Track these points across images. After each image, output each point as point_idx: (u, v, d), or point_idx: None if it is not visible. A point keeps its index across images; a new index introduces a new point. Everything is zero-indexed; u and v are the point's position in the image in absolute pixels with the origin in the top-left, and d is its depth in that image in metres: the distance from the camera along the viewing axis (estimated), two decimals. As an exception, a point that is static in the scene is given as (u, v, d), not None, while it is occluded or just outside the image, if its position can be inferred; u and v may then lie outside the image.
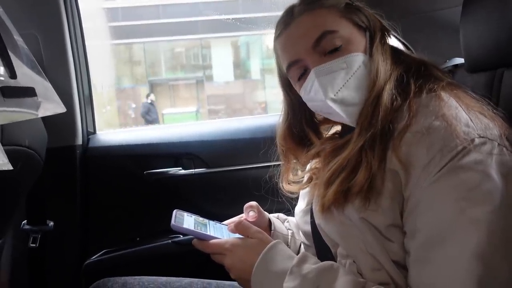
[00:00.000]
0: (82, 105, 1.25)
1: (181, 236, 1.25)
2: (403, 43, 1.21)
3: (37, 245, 1.10)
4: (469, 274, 0.48)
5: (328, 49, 0.65)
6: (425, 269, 0.52)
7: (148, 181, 1.26)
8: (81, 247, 1.25)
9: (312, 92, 0.66)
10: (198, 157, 1.28)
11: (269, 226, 0.84)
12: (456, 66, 1.05)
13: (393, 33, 1.21)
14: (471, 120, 0.55)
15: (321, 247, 0.69)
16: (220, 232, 0.73)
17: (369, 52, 0.65)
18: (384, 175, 0.57)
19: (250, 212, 0.81)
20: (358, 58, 0.64)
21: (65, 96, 1.11)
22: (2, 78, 0.71)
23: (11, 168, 0.62)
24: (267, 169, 0.88)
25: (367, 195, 0.57)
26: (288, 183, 0.81)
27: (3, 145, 0.66)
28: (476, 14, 0.82)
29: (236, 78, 9.52)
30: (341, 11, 0.67)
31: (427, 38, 1.19)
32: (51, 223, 1.13)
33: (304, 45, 0.65)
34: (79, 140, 1.22)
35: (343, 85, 0.63)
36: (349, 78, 0.63)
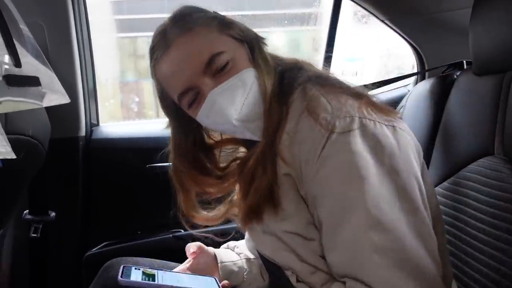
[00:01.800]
0: (86, 97, 1.25)
1: (182, 231, 1.25)
2: (410, 43, 1.21)
3: (38, 235, 1.10)
4: (368, 246, 0.52)
5: (218, 70, 0.62)
6: (335, 255, 0.56)
7: (150, 175, 1.26)
8: (82, 238, 1.25)
9: (213, 117, 0.64)
10: (200, 152, 1.28)
11: (215, 260, 0.84)
12: (462, 69, 1.04)
13: (399, 31, 1.22)
14: (330, 104, 0.57)
15: (269, 266, 0.70)
16: (170, 279, 0.71)
17: (253, 64, 0.65)
18: (279, 181, 0.60)
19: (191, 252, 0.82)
20: (249, 73, 0.63)
21: (69, 87, 1.11)
22: (6, 67, 0.71)
23: (14, 156, 0.62)
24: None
25: (273, 204, 0.60)
26: (195, 218, 0.78)
27: (6, 133, 0.66)
28: (486, 17, 0.81)
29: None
30: (219, 28, 0.64)
31: (433, 39, 1.19)
32: (53, 214, 1.13)
33: (193, 71, 0.62)
34: (82, 132, 1.23)
35: (243, 103, 0.62)
36: (248, 94, 0.62)
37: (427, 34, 1.18)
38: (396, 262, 0.51)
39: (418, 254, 0.52)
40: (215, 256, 0.86)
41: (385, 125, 0.57)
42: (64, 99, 0.85)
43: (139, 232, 1.28)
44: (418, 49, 1.20)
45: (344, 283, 0.55)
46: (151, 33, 0.68)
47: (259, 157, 0.61)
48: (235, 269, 0.85)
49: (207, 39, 0.63)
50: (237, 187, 0.74)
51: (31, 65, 0.80)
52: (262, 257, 0.71)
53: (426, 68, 1.24)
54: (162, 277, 0.71)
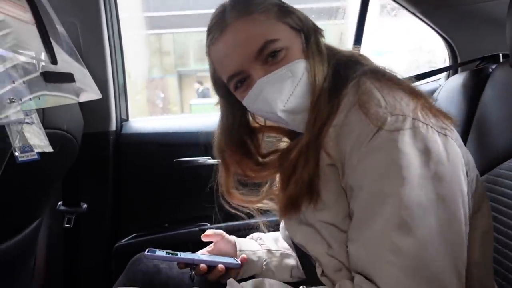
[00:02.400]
0: (117, 92, 1.28)
1: (208, 224, 1.27)
2: (442, 36, 1.17)
3: (72, 225, 1.15)
4: (388, 245, 0.51)
5: (270, 58, 0.62)
6: (354, 247, 0.55)
7: (177, 169, 1.28)
8: (112, 230, 1.29)
9: (259, 104, 0.64)
10: (227, 147, 1.29)
11: (235, 248, 0.87)
12: (498, 62, 1.00)
13: (431, 24, 1.18)
14: (384, 99, 0.55)
15: (301, 255, 0.71)
16: (191, 257, 0.79)
17: (307, 55, 0.64)
18: (321, 172, 0.59)
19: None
20: (300, 64, 0.63)
21: (101, 83, 1.14)
22: (44, 63, 0.74)
23: (51, 150, 0.65)
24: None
25: (312, 195, 0.59)
26: (231, 195, 0.78)
27: (44, 128, 0.69)
28: (525, 7, 0.78)
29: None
30: (277, 15, 0.64)
31: (466, 31, 1.14)
32: (85, 205, 1.18)
33: (245, 56, 0.62)
34: (113, 127, 1.26)
35: (291, 94, 0.62)
36: (296, 86, 0.62)
37: (459, 27, 1.13)
38: (411, 269, 0.50)
39: (440, 266, 0.50)
40: (235, 244, 0.88)
41: (438, 131, 0.55)
42: (96, 95, 0.88)
43: (166, 225, 1.31)
44: (451, 42, 1.16)
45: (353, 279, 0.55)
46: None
47: (302, 150, 0.61)
48: (254, 258, 0.87)
49: (264, 25, 0.62)
50: (277, 177, 0.74)
51: (66, 62, 0.83)
52: (296, 247, 0.71)
53: (459, 61, 1.20)
54: (184, 254, 0.79)
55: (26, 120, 0.61)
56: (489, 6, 1.07)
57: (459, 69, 1.19)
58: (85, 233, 1.24)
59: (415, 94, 0.58)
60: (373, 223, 0.52)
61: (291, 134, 0.75)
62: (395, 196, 0.51)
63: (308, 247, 0.65)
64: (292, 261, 0.89)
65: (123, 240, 1.26)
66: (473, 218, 0.58)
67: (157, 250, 0.79)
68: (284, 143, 0.79)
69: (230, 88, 0.68)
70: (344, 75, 0.63)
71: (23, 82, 0.61)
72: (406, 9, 1.14)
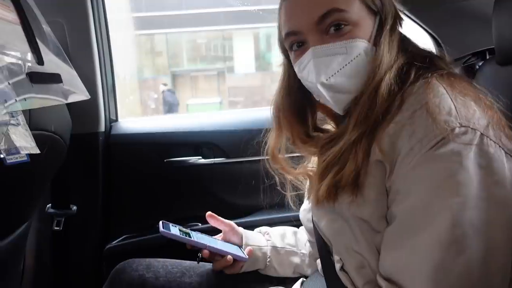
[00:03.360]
0: (105, 93, 1.26)
1: (200, 224, 1.27)
2: (430, 34, 1.18)
3: (61, 228, 1.13)
4: (433, 261, 0.48)
5: (331, 28, 0.60)
6: (393, 254, 0.53)
7: (168, 169, 1.28)
8: (102, 231, 1.28)
9: (305, 71, 0.63)
10: (217, 147, 1.29)
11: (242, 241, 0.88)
12: (485, 58, 1.01)
13: (419, 22, 1.19)
14: (455, 108, 0.52)
15: (321, 244, 0.69)
16: (202, 240, 0.82)
17: (376, 40, 0.61)
18: (368, 167, 0.57)
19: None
20: (360, 45, 0.60)
21: (89, 84, 1.13)
22: (30, 64, 0.72)
23: (38, 151, 0.64)
24: (288, 161, 0.87)
25: (354, 188, 0.57)
26: (274, 157, 0.76)
27: (30, 129, 0.68)
28: (510, 5, 0.79)
29: (257, 70, 9.48)
30: None
31: (456, 28, 1.15)
32: (74, 207, 1.16)
33: (308, 18, 0.61)
34: (102, 127, 1.24)
35: (337, 71, 0.60)
36: (346, 65, 0.60)
37: (447, 24, 1.14)
38: None
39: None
40: (242, 237, 0.89)
41: (506, 152, 0.52)
42: (85, 96, 0.87)
43: (157, 226, 1.30)
44: (438, 39, 1.17)
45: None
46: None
47: (350, 143, 0.58)
48: (259, 254, 0.87)
49: None
50: (315, 158, 0.71)
51: (53, 62, 0.81)
52: (316, 233, 0.69)
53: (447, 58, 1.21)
54: (196, 236, 0.83)
55: (12, 122, 0.60)
56: (476, 4, 1.08)
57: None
58: (75, 235, 1.23)
59: (490, 109, 0.55)
60: (421, 234, 0.50)
61: (337, 119, 0.73)
62: (450, 211, 0.48)
63: (332, 238, 0.63)
64: (297, 259, 0.89)
65: (114, 242, 1.24)
66: None
67: (171, 226, 0.80)
68: (330, 124, 0.77)
69: (286, 46, 0.67)
70: (415, 72, 0.60)
71: (9, 83, 0.60)
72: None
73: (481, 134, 0.51)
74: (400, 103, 0.56)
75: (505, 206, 0.50)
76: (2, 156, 0.56)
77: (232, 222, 0.91)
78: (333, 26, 0.60)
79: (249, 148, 1.28)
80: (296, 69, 0.67)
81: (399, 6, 0.65)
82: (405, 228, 0.52)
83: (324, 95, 0.63)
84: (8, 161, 0.58)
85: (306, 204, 0.81)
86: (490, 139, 0.51)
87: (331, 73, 0.60)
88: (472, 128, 0.51)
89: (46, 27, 0.85)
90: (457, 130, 0.50)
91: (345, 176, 0.57)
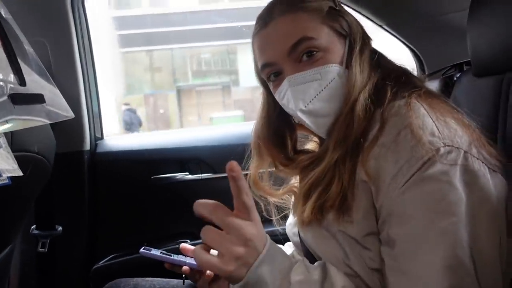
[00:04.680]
0: (90, 111, 1.26)
1: (189, 240, 1.25)
2: (409, 47, 1.21)
3: (46, 249, 1.11)
4: (439, 284, 0.49)
5: (304, 56, 0.63)
6: (399, 279, 0.53)
7: (155, 186, 1.27)
8: (89, 251, 1.26)
9: (285, 100, 0.65)
10: (204, 162, 1.29)
11: None
12: (462, 70, 1.04)
13: (398, 36, 1.23)
14: (437, 128, 0.54)
15: (309, 257, 0.69)
16: (181, 258, 0.81)
17: (347, 62, 0.64)
18: (354, 187, 0.57)
19: None
20: (333, 69, 0.62)
21: (73, 102, 1.13)
22: (12, 86, 0.72)
23: (21, 174, 0.63)
24: (274, 175, 0.88)
25: (341, 209, 0.57)
26: (256, 184, 0.77)
27: (12, 151, 0.67)
28: (483, 18, 0.82)
29: (262, 83, 9.58)
30: (323, 17, 0.64)
31: (434, 41, 1.19)
32: (60, 228, 1.14)
33: (280, 50, 0.63)
34: (87, 146, 1.24)
35: (314, 97, 0.62)
36: (322, 90, 0.62)
37: (426, 38, 1.18)
38: None
39: None
40: None
41: (489, 168, 0.54)
42: (68, 115, 0.87)
43: (145, 244, 1.28)
44: (417, 52, 1.20)
45: None
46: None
47: (333, 165, 0.59)
48: None
49: (305, 23, 0.62)
50: (298, 178, 0.72)
51: (35, 82, 0.81)
52: (303, 246, 0.69)
53: (426, 71, 1.25)
54: (177, 257, 0.82)
55: (-7, 145, 0.59)
56: (453, 18, 1.12)
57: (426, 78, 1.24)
58: (60, 256, 1.20)
59: (469, 126, 0.57)
60: (423, 257, 0.50)
61: (321, 137, 0.74)
62: (450, 233, 0.49)
63: (321, 253, 0.63)
64: None
65: (101, 262, 1.22)
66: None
67: (153, 249, 0.81)
68: (313, 141, 0.79)
69: (263, 76, 0.70)
70: (391, 90, 0.61)
71: (-11, 106, 0.59)
72: (373, 21, 1.18)
73: (465, 152, 0.52)
74: (382, 124, 0.57)
75: (492, 221, 0.52)
76: (-17, 180, 0.55)
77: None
78: (305, 54, 0.63)
79: (237, 163, 1.30)
80: (276, 98, 0.69)
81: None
82: (406, 251, 0.52)
83: (305, 121, 0.64)
84: (-11, 185, 0.57)
85: (292, 218, 0.81)
86: (474, 157, 0.53)
87: (309, 99, 0.62)
88: (456, 147, 0.52)
89: (28, 47, 0.84)
90: (442, 150, 0.52)
91: (331, 198, 0.58)
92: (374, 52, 0.68)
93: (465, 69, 1.03)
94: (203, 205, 0.52)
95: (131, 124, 7.21)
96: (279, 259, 0.55)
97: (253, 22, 0.70)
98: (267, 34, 0.65)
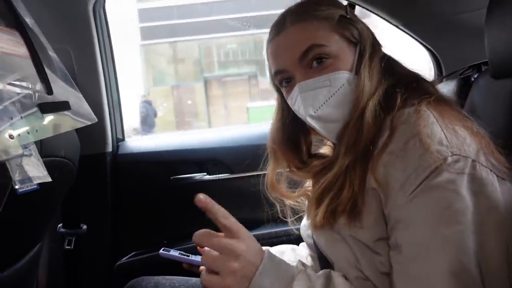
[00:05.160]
0: (112, 114, 1.30)
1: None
2: (426, 47, 1.20)
3: (72, 247, 1.16)
4: None
5: (314, 62, 0.64)
6: (405, 283, 0.54)
7: (174, 186, 1.31)
8: (112, 249, 1.31)
9: (296, 106, 0.67)
10: (222, 163, 1.32)
11: None
12: (480, 71, 1.03)
13: (415, 36, 1.22)
14: (446, 137, 0.54)
15: (322, 259, 0.70)
16: (199, 258, 0.82)
17: (356, 69, 0.65)
18: (365, 194, 0.58)
19: None
20: (342, 76, 0.64)
21: (96, 106, 1.17)
22: (40, 95, 0.76)
23: (50, 180, 0.67)
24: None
25: (352, 214, 0.59)
26: (273, 186, 0.79)
27: (41, 157, 0.71)
28: (501, 18, 0.80)
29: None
30: (333, 25, 0.65)
31: (451, 41, 1.17)
32: (85, 226, 1.19)
33: (290, 57, 0.65)
34: (109, 148, 1.28)
35: (324, 103, 0.64)
36: (331, 96, 0.64)
37: (443, 37, 1.16)
38: None
39: None
40: None
41: (497, 175, 0.54)
42: (92, 120, 0.90)
43: (165, 241, 1.32)
44: (435, 52, 1.19)
45: None
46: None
47: (344, 171, 0.61)
48: None
49: (315, 31, 0.65)
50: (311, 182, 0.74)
51: (61, 89, 0.85)
52: (317, 249, 0.71)
53: (444, 71, 1.23)
54: (195, 257, 0.84)
55: (25, 153, 0.63)
56: (469, 17, 1.10)
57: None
58: (85, 253, 1.25)
59: (477, 134, 0.57)
60: (428, 263, 0.52)
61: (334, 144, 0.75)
62: (454, 240, 0.50)
63: (333, 256, 0.64)
64: None
65: (123, 259, 1.27)
66: None
67: (171, 250, 0.85)
68: (327, 146, 0.81)
69: (276, 82, 0.72)
70: (401, 96, 0.61)
71: (21, 117, 0.63)
72: (390, 22, 1.18)
73: (473, 161, 0.53)
74: (391, 132, 0.58)
75: (500, 229, 0.52)
76: (16, 187, 0.59)
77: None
78: (315, 61, 0.64)
79: (253, 163, 1.32)
80: (289, 103, 0.71)
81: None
82: (411, 258, 0.53)
83: (315, 126, 0.66)
84: (20, 191, 0.61)
85: (306, 220, 0.83)
86: (482, 165, 0.53)
87: (318, 105, 0.64)
88: (463, 156, 0.53)
89: (53, 54, 0.88)
90: (449, 159, 0.52)
91: (343, 203, 0.59)
92: (385, 57, 0.69)
93: (483, 69, 1.02)
94: (197, 237, 0.59)
95: (147, 115, 7.33)
96: (280, 270, 0.57)
97: (280, 11, 0.71)
98: (279, 42, 0.68)
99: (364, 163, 0.59)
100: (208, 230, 0.58)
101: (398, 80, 0.65)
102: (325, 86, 0.64)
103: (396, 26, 1.17)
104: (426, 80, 0.68)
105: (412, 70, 0.69)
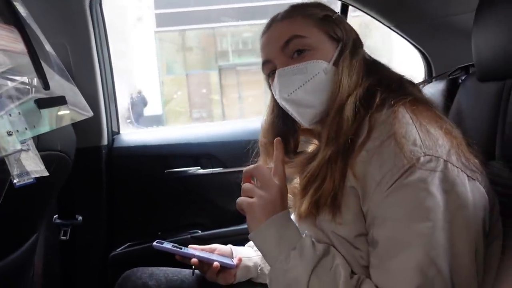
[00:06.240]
0: (107, 107, 1.32)
1: (200, 231, 1.32)
2: (417, 48, 1.22)
3: (68, 237, 1.19)
4: (410, 284, 0.53)
5: (295, 54, 0.69)
6: (379, 276, 0.58)
7: (168, 179, 1.33)
8: (107, 239, 1.33)
9: (275, 90, 0.72)
10: (215, 157, 1.34)
11: (232, 255, 0.92)
12: (468, 73, 1.05)
13: (406, 37, 1.23)
14: (420, 137, 0.57)
15: None
16: (191, 251, 0.87)
17: (337, 62, 0.68)
18: (344, 190, 0.61)
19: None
20: (319, 65, 0.67)
21: (92, 100, 1.19)
22: (37, 90, 0.77)
23: (47, 174, 0.69)
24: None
25: (333, 207, 0.62)
26: None
27: (38, 151, 0.73)
28: (488, 22, 0.82)
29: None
30: (317, 20, 0.70)
31: (442, 43, 1.19)
32: (80, 218, 1.22)
33: (274, 47, 0.70)
34: (105, 141, 1.30)
35: (298, 87, 0.68)
36: (306, 82, 0.67)
37: (434, 39, 1.18)
38: None
39: None
40: (231, 251, 0.93)
41: (468, 175, 0.57)
42: (88, 113, 0.92)
43: (159, 233, 1.35)
44: (426, 53, 1.21)
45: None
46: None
47: (325, 161, 0.63)
48: (250, 264, 0.92)
49: (298, 25, 0.70)
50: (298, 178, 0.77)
51: (57, 84, 0.86)
52: None
53: (434, 71, 1.25)
54: (187, 249, 0.89)
55: (23, 148, 0.65)
56: (460, 19, 1.12)
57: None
58: (81, 244, 1.28)
59: (451, 135, 0.60)
60: (399, 258, 0.54)
61: (319, 138, 0.78)
62: (423, 236, 0.53)
63: None
64: None
65: (118, 250, 1.30)
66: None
67: (165, 242, 0.89)
68: (313, 144, 0.83)
69: (265, 74, 0.77)
70: (381, 97, 0.64)
71: (19, 113, 0.65)
72: (382, 23, 1.19)
73: (444, 161, 0.56)
74: (369, 130, 0.61)
75: (468, 227, 0.55)
76: (14, 181, 0.61)
77: (214, 246, 0.94)
78: (296, 52, 0.69)
79: (245, 158, 1.34)
80: (272, 91, 0.75)
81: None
82: (385, 252, 0.56)
83: (288, 110, 0.71)
84: (17, 184, 0.63)
85: (292, 217, 0.86)
86: (453, 165, 0.56)
87: (292, 89, 0.68)
88: (435, 156, 0.56)
89: (49, 49, 0.90)
90: (422, 159, 0.55)
91: (324, 195, 0.62)
92: (369, 58, 0.73)
93: (470, 71, 1.04)
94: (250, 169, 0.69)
95: (134, 105, 7.30)
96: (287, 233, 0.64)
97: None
98: (266, 36, 0.74)
99: (344, 156, 0.62)
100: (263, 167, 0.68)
101: (379, 79, 0.68)
102: (302, 73, 0.68)
103: (389, 27, 1.20)
104: (410, 82, 0.71)
105: (396, 72, 0.72)
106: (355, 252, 0.62)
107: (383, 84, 0.67)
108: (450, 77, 1.09)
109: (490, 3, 0.80)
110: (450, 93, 1.02)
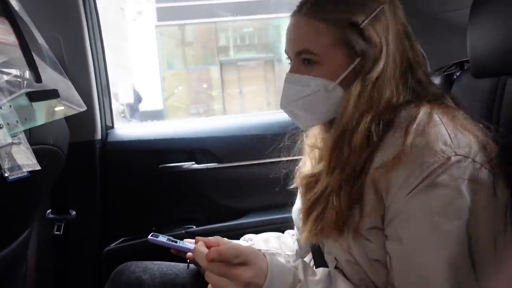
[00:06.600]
0: (101, 101, 1.31)
1: (194, 226, 1.32)
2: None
3: (61, 232, 1.18)
4: (443, 282, 0.54)
5: (306, 61, 0.68)
6: (406, 275, 0.58)
7: (163, 174, 1.32)
8: (101, 235, 1.33)
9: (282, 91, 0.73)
10: (210, 152, 1.34)
11: None
12: (463, 68, 1.05)
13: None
14: (450, 137, 0.58)
15: (313, 244, 0.75)
16: (186, 245, 0.88)
17: (345, 82, 0.65)
18: (363, 186, 0.61)
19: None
20: (317, 83, 0.66)
21: (85, 94, 1.17)
22: (28, 83, 0.76)
23: (39, 168, 0.68)
24: (276, 165, 0.91)
25: (340, 227, 0.62)
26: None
27: (30, 144, 0.72)
28: (483, 19, 0.83)
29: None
30: (339, 32, 0.64)
31: (437, 39, 1.19)
32: (74, 212, 1.21)
33: (292, 49, 0.70)
34: (98, 135, 1.29)
35: (297, 99, 0.69)
36: (304, 97, 0.68)
37: (429, 35, 1.18)
38: None
39: None
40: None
41: (493, 174, 0.58)
42: (81, 107, 0.91)
43: (153, 228, 1.34)
44: (421, 50, 1.20)
45: None
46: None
47: (326, 195, 0.63)
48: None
49: (315, 37, 0.65)
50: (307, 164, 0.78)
51: (50, 77, 0.85)
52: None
53: (428, 68, 1.25)
54: (183, 243, 0.89)
55: (14, 141, 0.64)
56: (455, 15, 1.12)
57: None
58: (74, 239, 1.27)
59: (478, 134, 0.60)
60: (428, 255, 0.55)
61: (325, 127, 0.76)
62: (454, 233, 0.54)
63: (324, 240, 0.69)
64: (281, 260, 0.93)
65: (112, 245, 1.29)
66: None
67: (160, 236, 0.89)
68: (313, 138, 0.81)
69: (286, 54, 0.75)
70: (406, 96, 0.64)
71: (10, 106, 0.64)
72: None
73: (473, 161, 0.57)
74: (376, 146, 0.61)
75: (492, 224, 0.57)
76: (6, 175, 0.60)
77: (218, 239, 0.93)
78: (306, 60, 0.68)
79: (241, 153, 1.34)
80: None
81: None
82: (412, 251, 0.57)
83: (287, 114, 0.73)
84: (10, 178, 0.62)
85: (298, 204, 0.85)
86: (481, 165, 0.57)
87: (292, 99, 0.70)
88: (465, 157, 0.57)
89: (42, 42, 0.89)
90: (452, 158, 0.56)
91: (327, 224, 0.62)
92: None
93: (465, 67, 1.04)
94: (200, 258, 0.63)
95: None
96: (283, 280, 0.60)
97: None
98: (291, 25, 0.70)
99: (353, 183, 0.61)
100: (215, 257, 0.59)
101: (397, 105, 0.64)
102: (303, 86, 0.68)
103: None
104: (432, 82, 0.72)
105: (436, 89, 0.72)
106: (366, 244, 0.62)
107: (411, 84, 0.66)
108: (445, 73, 1.09)
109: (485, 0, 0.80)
110: (445, 89, 1.02)
